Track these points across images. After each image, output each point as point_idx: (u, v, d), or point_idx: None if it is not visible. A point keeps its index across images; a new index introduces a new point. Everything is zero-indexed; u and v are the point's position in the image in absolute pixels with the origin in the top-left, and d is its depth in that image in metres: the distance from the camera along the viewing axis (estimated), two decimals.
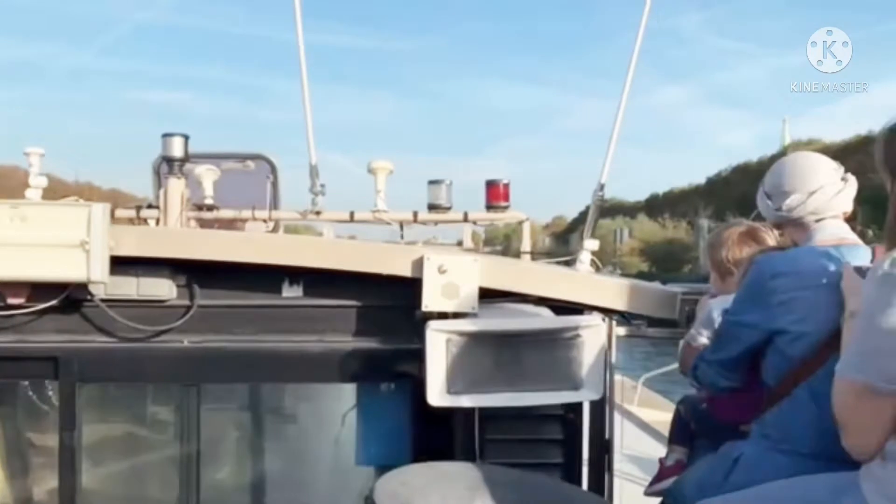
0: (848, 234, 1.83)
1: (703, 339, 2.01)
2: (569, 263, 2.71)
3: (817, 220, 1.85)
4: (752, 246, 2.12)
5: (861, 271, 1.57)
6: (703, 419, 2.16)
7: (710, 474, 1.86)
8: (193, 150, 2.98)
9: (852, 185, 1.86)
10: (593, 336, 1.82)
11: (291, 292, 2.10)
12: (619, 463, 3.68)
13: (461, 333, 1.78)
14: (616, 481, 2.78)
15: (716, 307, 2.00)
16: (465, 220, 3.00)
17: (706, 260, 2.25)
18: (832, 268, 1.69)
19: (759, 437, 1.79)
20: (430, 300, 1.89)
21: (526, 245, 3.03)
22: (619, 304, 2.10)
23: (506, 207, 2.96)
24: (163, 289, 2.05)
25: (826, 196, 1.83)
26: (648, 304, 2.10)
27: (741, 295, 1.84)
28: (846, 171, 1.89)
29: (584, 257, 2.62)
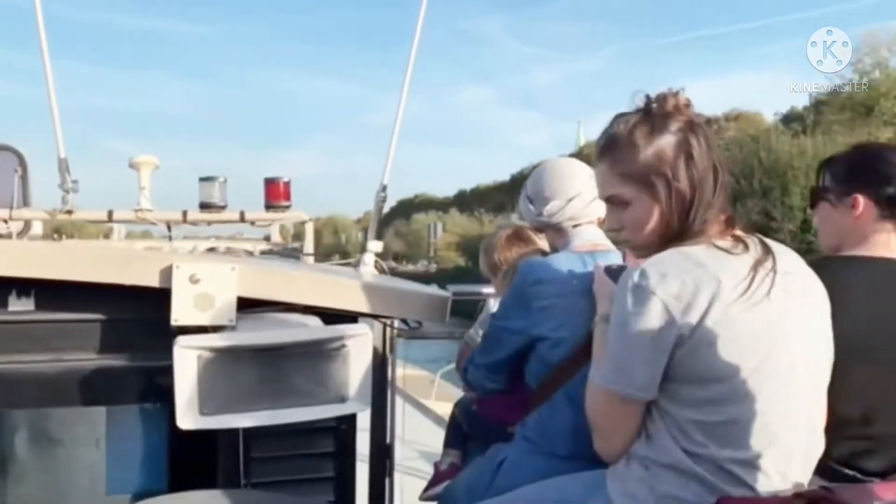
0: (602, 240, 1.95)
1: (479, 339, 2.07)
2: (354, 265, 2.68)
3: (575, 226, 1.97)
4: (521, 246, 2.21)
5: (611, 271, 1.66)
6: (473, 421, 2.23)
7: (478, 477, 1.92)
8: None
9: None
10: (360, 345, 1.80)
11: (20, 306, 1.87)
12: (413, 460, 3.74)
13: (214, 349, 1.67)
14: (407, 479, 2.81)
15: (492, 308, 2.07)
16: (242, 219, 2.86)
17: (483, 264, 2.32)
18: (587, 273, 1.80)
19: (521, 440, 1.87)
20: (181, 313, 1.76)
21: (309, 247, 2.95)
22: (391, 310, 2.10)
23: (287, 207, 2.86)
24: None
25: (583, 202, 1.94)
26: (420, 308, 2.12)
27: (506, 300, 1.91)
28: None
29: (368, 259, 2.60)
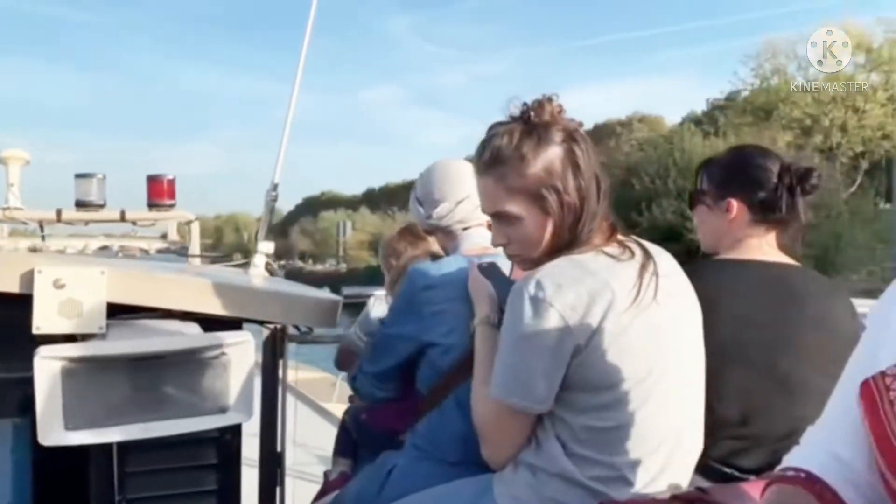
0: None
1: (359, 342, 2.06)
2: (244, 267, 2.62)
3: (464, 229, 1.97)
4: (415, 246, 2.22)
5: (485, 270, 1.67)
6: (363, 429, 2.22)
7: (367, 486, 1.91)
8: None
9: None
10: (241, 353, 1.75)
11: None
12: (310, 465, 3.70)
13: (80, 359, 1.60)
14: (304, 485, 2.76)
15: (374, 310, 2.06)
16: (123, 219, 2.74)
17: (382, 267, 2.32)
18: None
19: (410, 448, 1.87)
20: (44, 321, 1.67)
21: (195, 248, 2.86)
22: (278, 316, 2.06)
23: (171, 206, 2.76)
24: None
25: (473, 205, 1.95)
26: (308, 312, 2.09)
27: (396, 306, 1.90)
28: None
29: (259, 261, 2.54)
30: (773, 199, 1.74)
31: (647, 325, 1.41)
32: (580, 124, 1.51)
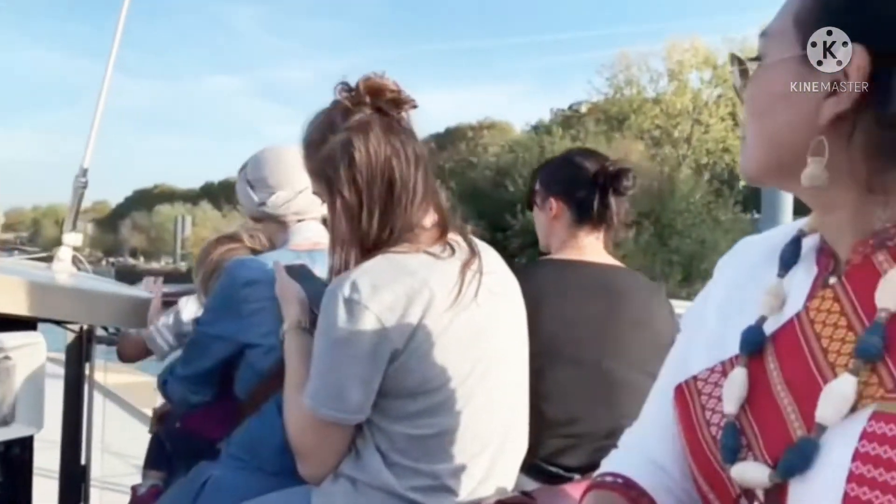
0: (322, 238, 1.92)
1: (161, 341, 1.96)
2: (48, 261, 2.44)
3: (299, 221, 1.93)
4: (228, 244, 2.15)
5: (294, 271, 1.64)
6: (177, 439, 2.12)
7: (179, 500, 1.82)
8: None
9: None
10: (30, 357, 1.62)
11: None
12: (126, 476, 3.49)
13: None
14: (113, 498, 2.60)
15: (185, 310, 1.98)
16: None
17: (195, 275, 2.22)
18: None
19: (227, 458, 1.79)
20: None
21: None
22: (81, 315, 1.93)
23: None
24: None
25: (311, 196, 1.92)
26: (116, 312, 1.98)
27: (213, 303, 1.82)
28: None
29: (64, 254, 2.37)
30: (589, 199, 1.83)
31: (467, 324, 1.41)
32: (411, 103, 1.47)
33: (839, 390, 0.68)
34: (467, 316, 1.41)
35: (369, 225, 1.41)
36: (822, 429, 0.69)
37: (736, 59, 0.83)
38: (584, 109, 40.20)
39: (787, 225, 0.91)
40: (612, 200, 1.83)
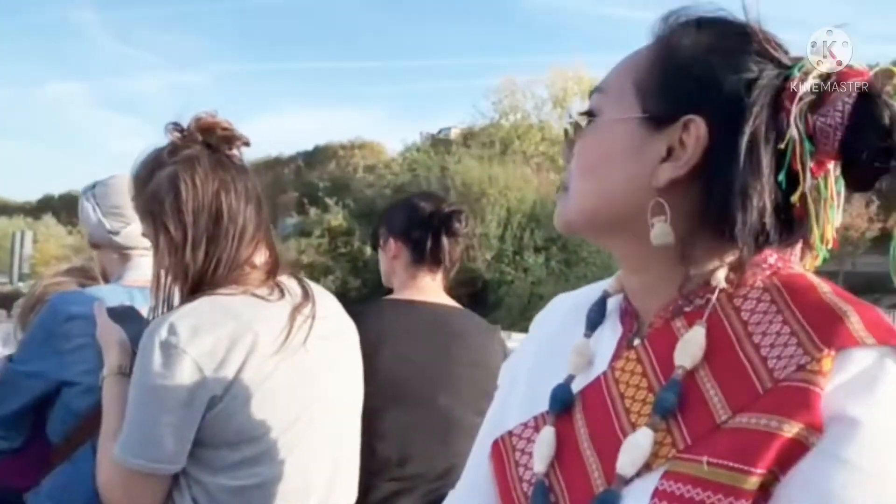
0: None
1: None
2: None
3: (141, 256, 1.87)
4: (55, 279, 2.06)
5: (116, 314, 1.60)
6: None
7: None
8: None
9: None
10: None
11: None
12: None
13: None
14: None
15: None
16: None
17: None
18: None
19: None
20: None
21: None
22: None
23: None
24: None
25: None
26: None
27: (30, 338, 1.75)
28: None
29: None
30: (423, 239, 1.93)
31: (294, 370, 1.41)
32: (239, 139, 1.48)
33: (636, 442, 0.74)
34: (295, 361, 1.41)
35: (193, 258, 1.40)
36: (622, 480, 0.74)
37: (572, 115, 0.86)
38: (452, 135, 41.32)
39: (596, 284, 0.96)
40: (445, 241, 1.93)
